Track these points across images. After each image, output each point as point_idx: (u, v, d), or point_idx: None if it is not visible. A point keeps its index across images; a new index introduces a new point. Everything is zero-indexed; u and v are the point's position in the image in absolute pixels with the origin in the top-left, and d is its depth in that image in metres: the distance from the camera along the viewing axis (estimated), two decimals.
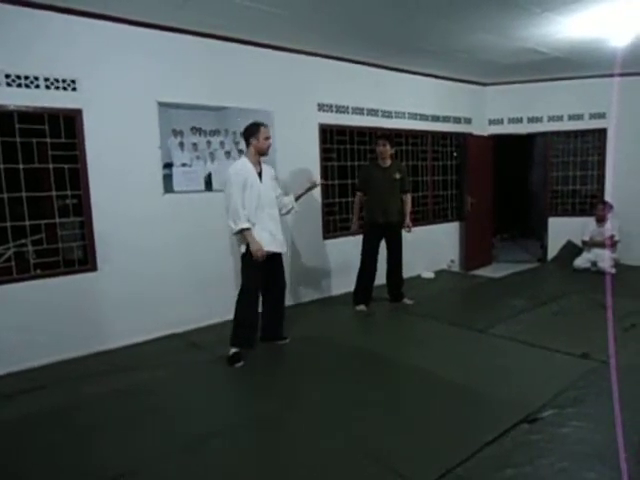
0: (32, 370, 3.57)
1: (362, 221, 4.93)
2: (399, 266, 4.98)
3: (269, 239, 3.59)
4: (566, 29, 4.47)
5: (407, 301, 5.09)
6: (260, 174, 3.61)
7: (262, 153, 3.62)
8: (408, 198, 4.94)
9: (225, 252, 4.59)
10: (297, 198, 3.95)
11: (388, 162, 4.79)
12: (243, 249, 3.56)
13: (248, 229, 3.46)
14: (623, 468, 2.16)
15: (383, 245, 4.93)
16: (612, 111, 6.57)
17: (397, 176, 4.78)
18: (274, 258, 3.69)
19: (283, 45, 4.82)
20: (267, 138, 3.60)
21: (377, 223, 4.75)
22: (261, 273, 3.62)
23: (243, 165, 3.55)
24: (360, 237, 4.91)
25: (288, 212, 3.93)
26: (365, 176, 4.85)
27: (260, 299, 3.75)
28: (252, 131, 3.58)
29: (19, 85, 3.50)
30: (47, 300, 3.70)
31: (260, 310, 3.77)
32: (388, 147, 4.72)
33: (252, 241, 3.48)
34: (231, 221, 3.48)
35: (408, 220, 4.90)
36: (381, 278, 5.06)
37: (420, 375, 3.31)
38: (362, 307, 4.92)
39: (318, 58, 5.17)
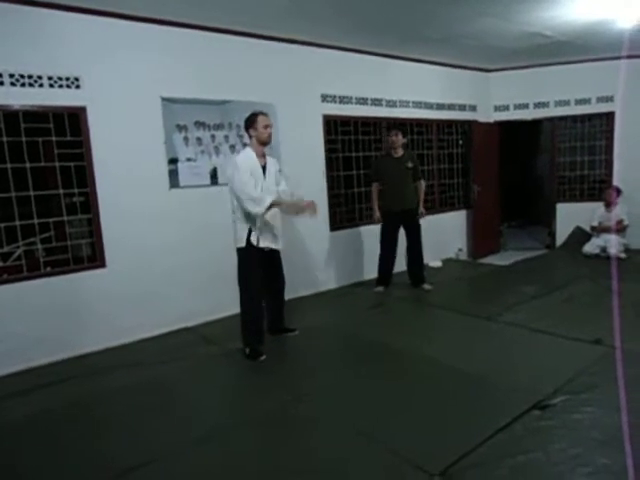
0: (44, 367, 3.61)
1: (381, 210, 5.08)
2: (419, 252, 5.14)
3: (271, 237, 3.57)
4: (571, 12, 4.39)
5: (426, 286, 5.16)
6: (264, 168, 3.55)
7: (263, 142, 3.53)
8: (421, 185, 5.13)
9: (232, 245, 4.59)
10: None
11: (400, 152, 4.96)
12: (241, 244, 3.51)
13: (273, 203, 3.39)
14: (629, 452, 2.16)
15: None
16: (619, 94, 6.48)
17: (409, 165, 4.96)
18: (272, 255, 3.68)
19: (285, 36, 4.78)
20: (266, 126, 3.49)
21: (393, 212, 4.95)
22: (258, 268, 3.58)
23: (247, 157, 3.48)
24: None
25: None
26: (378, 167, 5.08)
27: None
28: (251, 121, 3.52)
29: (23, 84, 3.50)
30: (57, 297, 3.73)
31: (264, 305, 3.77)
32: (400, 137, 4.91)
33: (288, 204, 3.56)
34: (253, 205, 3.33)
35: (421, 207, 5.10)
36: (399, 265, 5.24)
37: (430, 363, 3.31)
38: (380, 288, 5.18)
39: (320, 49, 5.13)
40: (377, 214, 5.06)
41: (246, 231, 3.49)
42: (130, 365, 3.56)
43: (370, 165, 5.51)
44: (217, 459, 2.38)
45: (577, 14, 4.47)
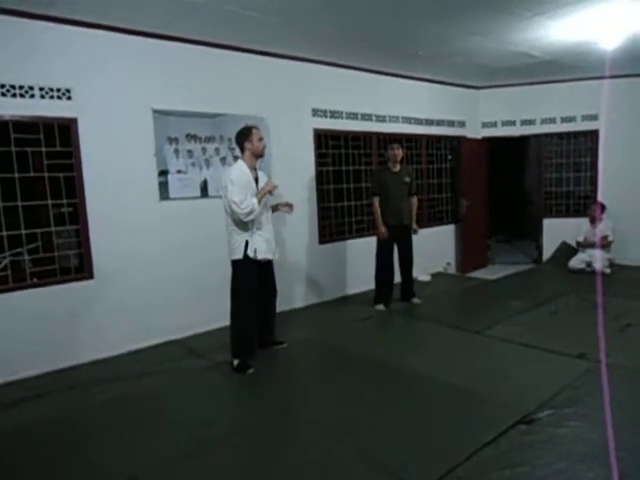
0: (30, 379, 3.55)
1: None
2: (410, 266, 5.15)
3: (266, 247, 3.58)
4: (556, 33, 4.51)
5: (415, 300, 5.20)
6: (256, 180, 3.58)
7: (258, 155, 3.59)
8: (414, 201, 5.13)
9: (222, 258, 4.59)
10: (274, 209, 3.83)
11: (398, 167, 4.97)
12: (238, 256, 3.50)
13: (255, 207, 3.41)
14: (613, 465, 2.18)
15: None
16: (603, 113, 6.63)
17: (407, 180, 4.99)
18: (267, 265, 3.70)
19: (277, 52, 4.84)
20: (261, 139, 3.57)
21: (390, 225, 4.91)
22: (255, 280, 3.58)
23: (242, 171, 3.49)
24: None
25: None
26: (378, 180, 5.02)
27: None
28: (245, 135, 3.56)
29: (14, 95, 3.50)
30: (44, 309, 3.69)
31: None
32: (400, 151, 4.92)
33: (262, 189, 3.53)
34: (247, 214, 3.36)
35: (414, 223, 5.12)
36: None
37: (418, 377, 3.32)
38: (381, 306, 5.05)
39: (312, 64, 5.20)
40: (383, 228, 4.87)
41: (243, 242, 3.48)
42: (117, 378, 3.52)
43: (367, 178, 5.57)
44: (202, 473, 2.36)
45: (561, 35, 4.59)
